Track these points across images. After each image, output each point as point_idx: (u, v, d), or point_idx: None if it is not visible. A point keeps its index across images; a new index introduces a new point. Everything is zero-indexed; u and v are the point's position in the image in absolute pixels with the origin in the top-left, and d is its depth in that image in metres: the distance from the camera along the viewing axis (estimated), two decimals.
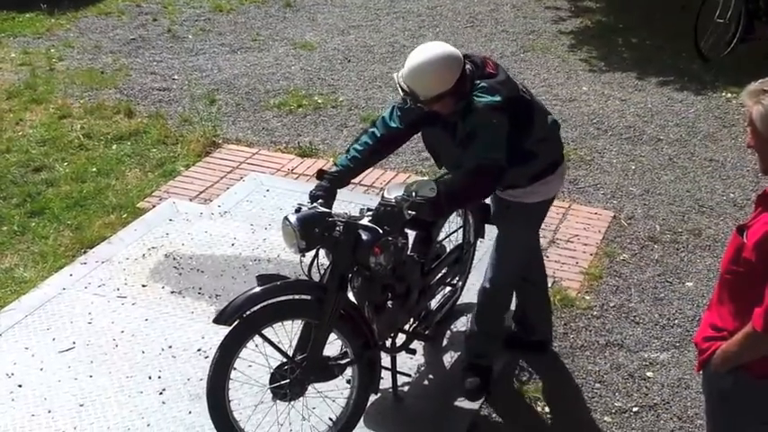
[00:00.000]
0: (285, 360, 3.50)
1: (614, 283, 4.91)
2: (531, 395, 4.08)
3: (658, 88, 7.44)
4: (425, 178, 3.41)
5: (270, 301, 3.39)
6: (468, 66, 3.50)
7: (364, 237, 3.44)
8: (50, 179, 5.77)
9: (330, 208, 3.56)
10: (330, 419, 3.72)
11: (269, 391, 3.52)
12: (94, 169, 5.91)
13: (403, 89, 3.47)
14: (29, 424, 3.81)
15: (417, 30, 8.66)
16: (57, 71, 7.49)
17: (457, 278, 4.46)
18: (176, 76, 7.44)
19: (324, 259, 3.58)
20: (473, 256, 4.54)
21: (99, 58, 7.82)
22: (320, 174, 3.70)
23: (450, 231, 4.33)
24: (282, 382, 3.47)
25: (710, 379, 2.79)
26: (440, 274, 4.21)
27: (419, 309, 4.06)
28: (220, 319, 3.36)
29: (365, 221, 3.46)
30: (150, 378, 4.06)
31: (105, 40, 8.22)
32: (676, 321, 4.60)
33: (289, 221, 3.38)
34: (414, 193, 3.39)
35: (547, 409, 4.01)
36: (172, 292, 4.65)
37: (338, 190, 3.70)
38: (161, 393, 3.98)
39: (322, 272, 3.55)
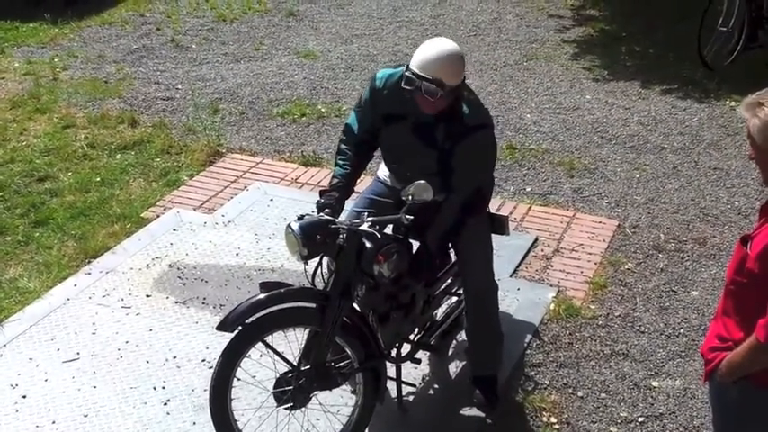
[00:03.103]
0: (290, 368, 3.49)
1: (619, 292, 4.89)
2: (537, 405, 4.06)
3: (662, 97, 7.44)
4: (422, 182, 3.38)
5: (273, 309, 3.38)
6: None
7: (368, 244, 3.44)
8: (54, 189, 5.78)
9: (336, 217, 3.55)
10: None
11: (272, 396, 3.51)
12: (98, 179, 5.92)
13: (422, 77, 3.37)
14: None
15: (420, 39, 8.60)
16: (60, 81, 7.50)
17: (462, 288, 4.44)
18: (180, 86, 7.46)
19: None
20: None
21: (103, 67, 7.84)
22: (322, 194, 3.68)
23: None
24: (286, 388, 3.46)
25: (717, 389, 2.79)
26: (445, 284, 4.20)
27: (424, 318, 4.05)
28: (223, 325, 3.35)
29: (365, 227, 3.45)
30: (155, 389, 4.05)
31: (109, 50, 8.23)
32: (681, 330, 4.59)
33: (291, 229, 3.38)
34: (410, 197, 3.38)
35: (552, 420, 4.00)
36: (176, 302, 4.65)
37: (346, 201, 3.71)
38: (165, 404, 3.97)
39: (326, 280, 3.55)
